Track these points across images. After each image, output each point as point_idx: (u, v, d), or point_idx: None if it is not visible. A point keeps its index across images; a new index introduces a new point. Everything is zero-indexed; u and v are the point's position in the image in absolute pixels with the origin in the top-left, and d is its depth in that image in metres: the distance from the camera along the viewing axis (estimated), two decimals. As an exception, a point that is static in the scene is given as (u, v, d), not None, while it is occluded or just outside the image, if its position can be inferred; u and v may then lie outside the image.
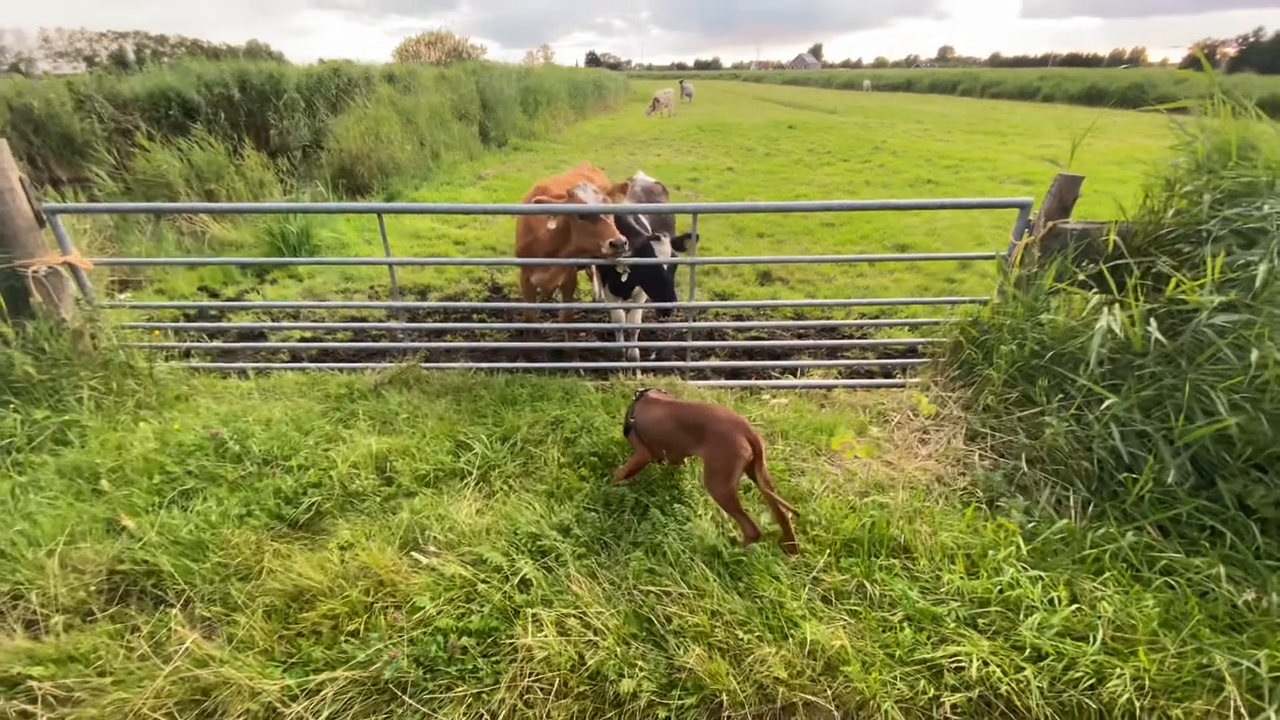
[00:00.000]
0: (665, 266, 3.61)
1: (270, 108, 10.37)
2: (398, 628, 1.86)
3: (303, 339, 4.58)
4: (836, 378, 4.00)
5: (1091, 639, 1.81)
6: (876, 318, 4.94)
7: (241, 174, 7.47)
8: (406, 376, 3.38)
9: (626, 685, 1.70)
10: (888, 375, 4.05)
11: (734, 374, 4.08)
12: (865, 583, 2.02)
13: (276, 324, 4.65)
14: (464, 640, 1.82)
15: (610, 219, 3.49)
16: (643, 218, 3.97)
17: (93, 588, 2.03)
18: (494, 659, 1.80)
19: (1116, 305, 2.59)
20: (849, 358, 4.43)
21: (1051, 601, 1.95)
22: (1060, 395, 2.68)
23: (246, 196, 7.42)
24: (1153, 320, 2.49)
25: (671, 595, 1.95)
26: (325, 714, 1.65)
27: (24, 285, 3.08)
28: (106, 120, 8.59)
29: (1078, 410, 2.56)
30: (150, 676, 1.74)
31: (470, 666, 1.76)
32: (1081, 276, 2.87)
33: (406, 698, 1.69)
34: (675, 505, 2.37)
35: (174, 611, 1.96)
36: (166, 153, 7.12)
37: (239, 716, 1.66)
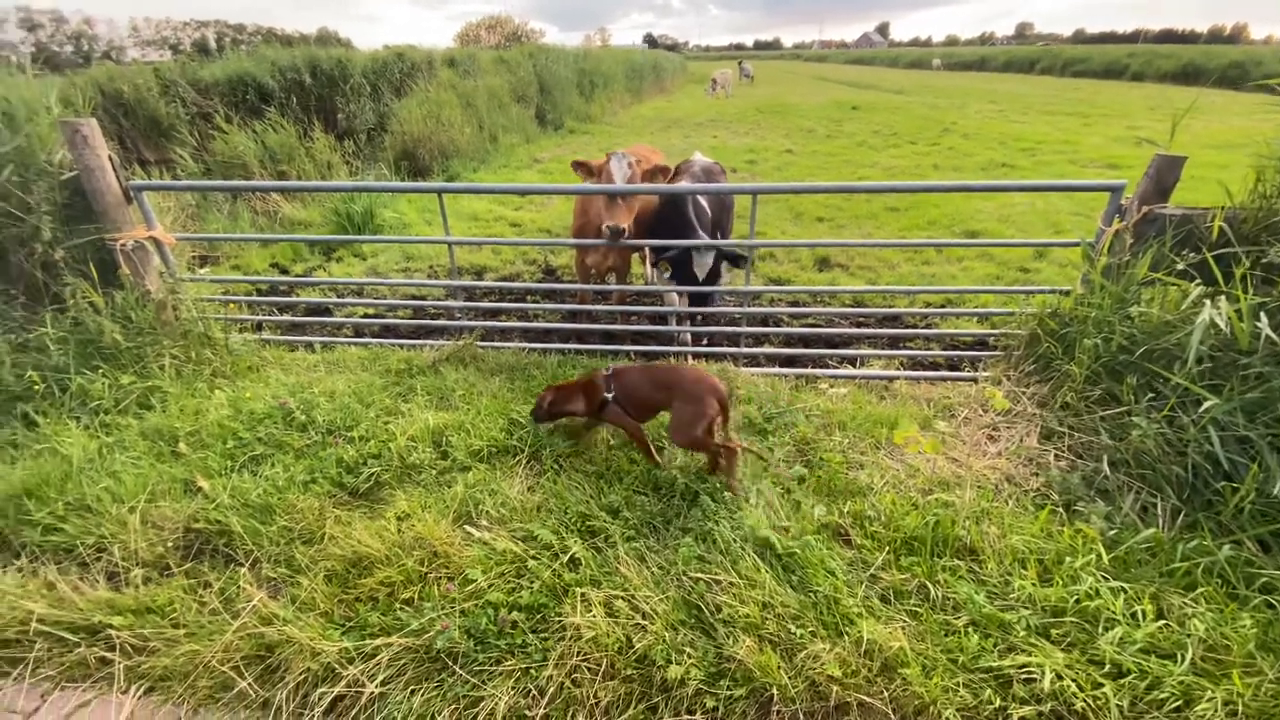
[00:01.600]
0: (705, 277, 3.53)
1: (338, 92, 10.68)
2: (450, 598, 1.89)
3: (365, 315, 4.72)
4: (898, 369, 3.83)
5: (1179, 658, 1.67)
6: (943, 307, 4.71)
7: (311, 156, 7.74)
8: (463, 354, 3.44)
9: (674, 671, 1.67)
10: (954, 368, 3.86)
11: (789, 361, 3.97)
12: (927, 583, 1.93)
13: (341, 300, 4.81)
14: (514, 615, 1.84)
15: (621, 201, 3.42)
16: (703, 202, 3.89)
17: (170, 544, 2.15)
18: (543, 635, 1.80)
19: (1221, 298, 2.36)
20: (912, 348, 4.24)
21: (1135, 615, 1.81)
22: (1150, 394, 2.48)
23: (315, 177, 7.69)
24: (1263, 315, 2.26)
25: (721, 584, 1.90)
26: (380, 678, 1.69)
27: (113, 258, 3.27)
28: (189, 105, 9.05)
29: (1170, 411, 2.36)
30: (220, 631, 1.83)
31: (520, 641, 1.77)
32: (1180, 266, 2.63)
33: (457, 668, 1.72)
34: (726, 493, 2.32)
35: (242, 570, 2.05)
36: (243, 135, 7.45)
37: (299, 674, 1.72)
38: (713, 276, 3.63)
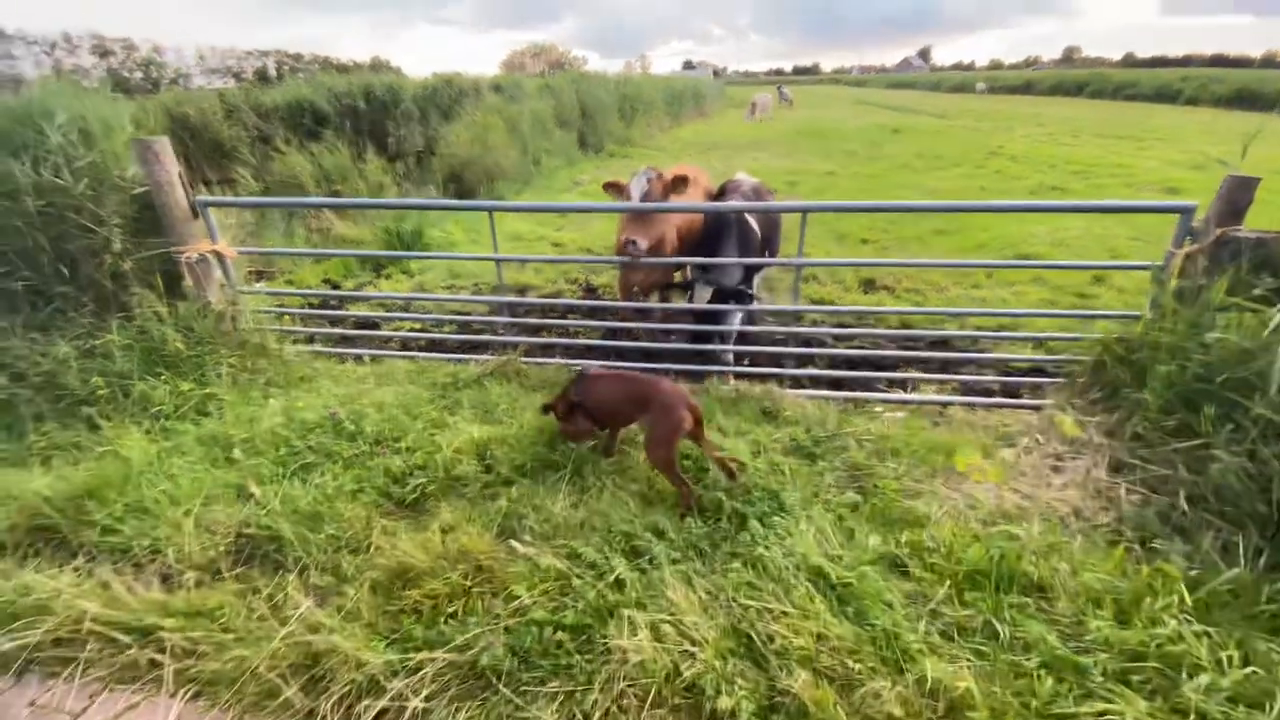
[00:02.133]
0: (705, 306, 3.63)
1: (389, 117, 11.11)
2: (494, 614, 1.86)
3: (412, 329, 4.81)
4: (950, 394, 3.70)
5: (1268, 707, 1.53)
6: (996, 331, 4.55)
7: (364, 177, 8.04)
8: (507, 369, 3.46)
9: (725, 702, 1.60)
10: (1010, 395, 3.71)
11: (835, 385, 3.87)
12: (993, 620, 1.82)
13: (390, 314, 4.92)
14: (559, 634, 1.80)
15: (640, 217, 3.44)
16: (752, 221, 3.88)
17: (221, 548, 2.19)
18: (588, 657, 1.76)
19: (1310, 324, 2.21)
20: (964, 373, 4.10)
21: (1220, 661, 1.67)
22: (1231, 426, 2.32)
23: (367, 196, 7.96)
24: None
25: (774, 612, 1.83)
26: (424, 693, 1.67)
27: (178, 270, 3.41)
28: (250, 128, 9.52)
29: (1252, 444, 2.20)
30: (267, 637, 1.84)
31: (565, 663, 1.73)
32: (1259, 291, 2.48)
33: (502, 686, 1.68)
34: (775, 517, 2.25)
35: (290, 577, 2.06)
36: (300, 156, 7.77)
37: (344, 685, 1.71)
38: (739, 297, 3.61)
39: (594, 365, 2.69)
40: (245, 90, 10.44)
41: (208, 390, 3.10)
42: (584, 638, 1.81)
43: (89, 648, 1.87)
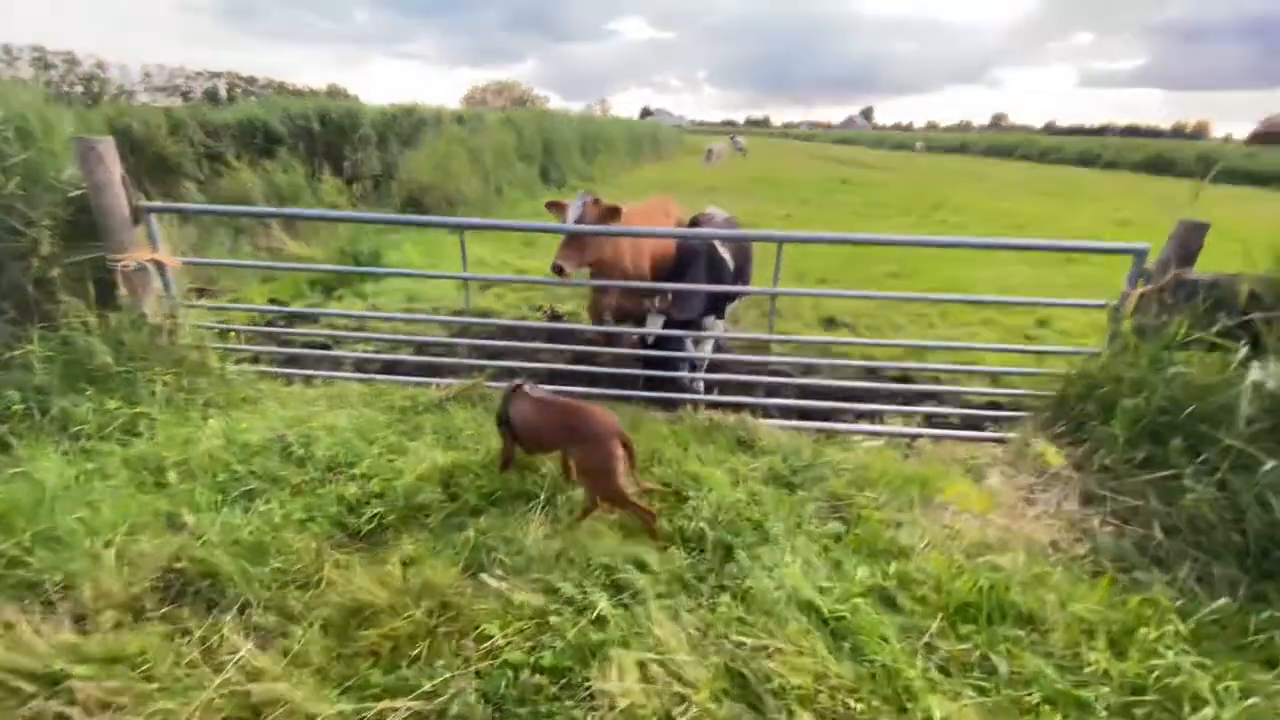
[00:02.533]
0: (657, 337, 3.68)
1: (346, 140, 10.88)
2: (463, 656, 1.68)
3: (367, 351, 4.57)
4: (917, 427, 3.73)
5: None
6: (955, 365, 4.67)
7: (318, 196, 7.77)
8: (472, 393, 3.29)
9: (722, 749, 1.47)
10: (975, 427, 3.76)
11: (804, 414, 3.86)
12: (990, 654, 1.76)
13: (343, 334, 4.67)
14: (537, 678, 1.63)
15: (573, 241, 3.48)
16: (724, 253, 3.90)
17: (147, 584, 1.92)
18: (570, 703, 1.59)
19: (1269, 360, 2.31)
20: (926, 407, 4.16)
21: (1218, 694, 1.65)
22: (1198, 457, 2.39)
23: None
24: (1310, 378, 2.21)
25: (768, 649, 1.72)
26: (384, 749, 1.47)
27: (112, 279, 3.13)
28: (198, 145, 9.13)
29: (1222, 476, 2.26)
30: (199, 686, 1.60)
31: (544, 710, 1.56)
32: (1217, 329, 2.60)
33: (473, 739, 1.50)
34: (759, 548, 2.16)
35: (228, 617, 1.82)
36: (251, 173, 7.46)
37: (289, 741, 1.49)
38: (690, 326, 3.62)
39: (531, 383, 2.53)
40: (192, 109, 10.04)
41: (138, 409, 2.81)
42: (564, 681, 1.65)
43: (-15, 699, 1.59)
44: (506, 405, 2.46)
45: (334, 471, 2.52)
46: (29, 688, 1.58)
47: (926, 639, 1.82)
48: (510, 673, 1.64)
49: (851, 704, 1.58)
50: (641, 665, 1.67)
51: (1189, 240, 2.83)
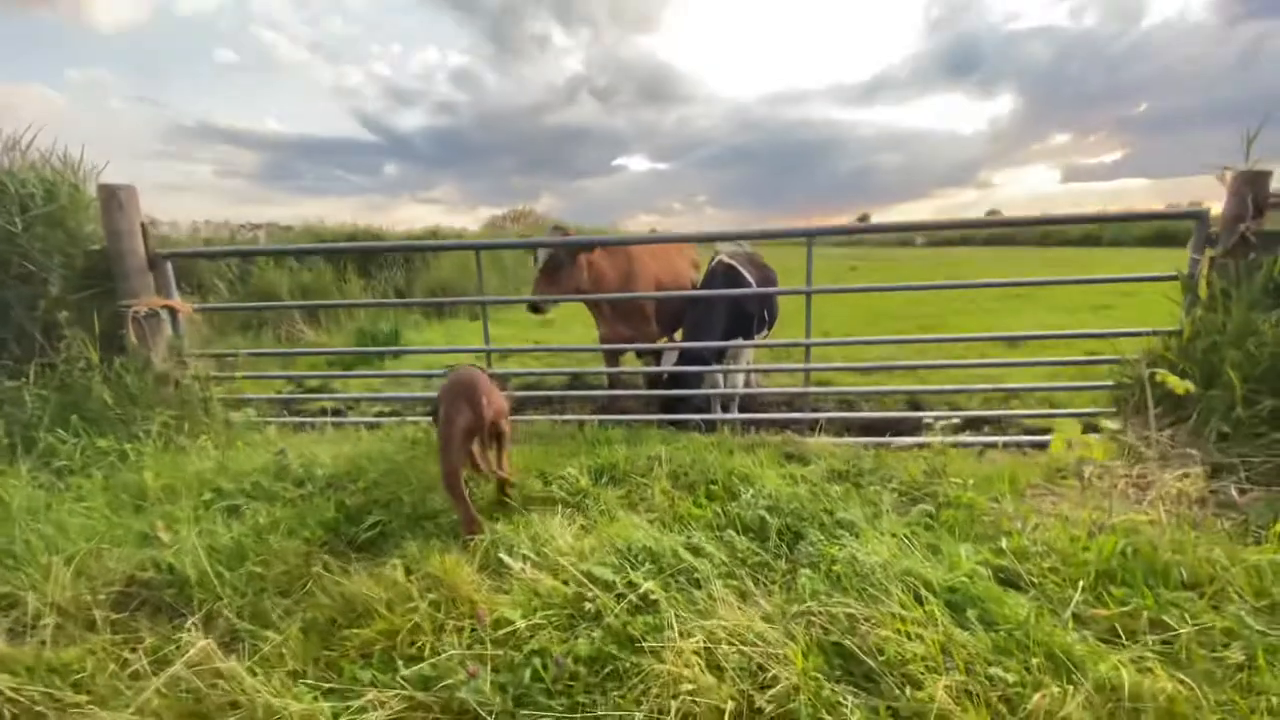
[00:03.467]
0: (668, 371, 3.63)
1: (372, 261, 11.26)
2: (476, 637, 1.31)
3: (381, 414, 4.36)
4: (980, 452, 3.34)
5: None
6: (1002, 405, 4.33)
7: (343, 294, 7.90)
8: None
9: (833, 734, 1.06)
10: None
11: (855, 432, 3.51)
12: (1163, 617, 1.34)
13: (358, 395, 4.49)
14: (576, 666, 1.25)
15: (544, 275, 3.58)
16: (747, 273, 3.84)
17: (103, 595, 1.60)
18: (614, 694, 1.20)
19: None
20: (983, 429, 3.77)
21: None
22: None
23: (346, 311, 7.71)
24: None
25: (872, 619, 1.32)
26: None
27: (121, 323, 3.03)
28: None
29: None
30: (139, 695, 1.24)
31: (586, 701, 1.17)
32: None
33: (491, 736, 1.11)
34: (837, 531, 1.79)
35: (190, 622, 1.48)
36: (279, 272, 7.68)
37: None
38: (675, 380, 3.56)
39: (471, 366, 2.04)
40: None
41: (127, 446, 2.58)
42: (607, 669, 1.26)
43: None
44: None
45: (335, 489, 2.22)
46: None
47: (1072, 609, 1.41)
48: (538, 660, 1.26)
49: (998, 674, 1.17)
50: (708, 649, 1.28)
51: (1251, 191, 2.62)
